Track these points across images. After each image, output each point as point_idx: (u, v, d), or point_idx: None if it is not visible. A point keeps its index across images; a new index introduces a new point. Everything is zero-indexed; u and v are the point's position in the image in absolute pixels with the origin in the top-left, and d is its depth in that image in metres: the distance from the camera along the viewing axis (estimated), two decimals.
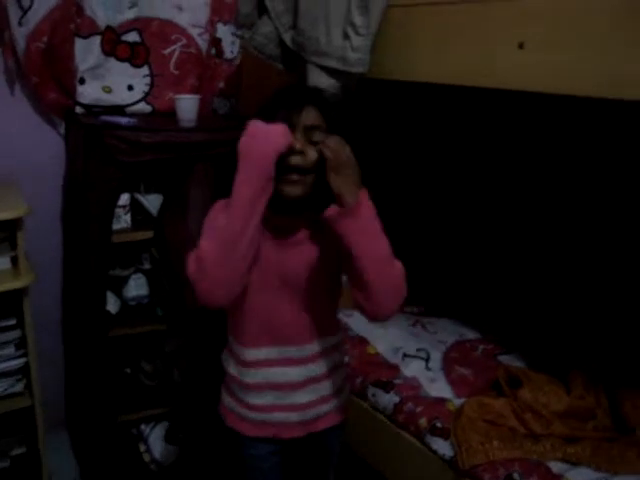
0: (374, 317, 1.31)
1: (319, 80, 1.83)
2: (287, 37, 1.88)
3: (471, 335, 2.25)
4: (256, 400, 1.41)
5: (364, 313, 1.30)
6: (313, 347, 1.41)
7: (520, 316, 2.31)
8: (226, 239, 1.19)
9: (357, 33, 1.70)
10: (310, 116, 1.27)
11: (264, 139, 1.19)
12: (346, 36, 1.72)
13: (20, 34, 1.99)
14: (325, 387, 1.46)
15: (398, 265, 1.26)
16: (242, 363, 1.40)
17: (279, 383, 1.40)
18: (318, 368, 1.43)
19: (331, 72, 1.79)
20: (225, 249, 1.19)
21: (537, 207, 2.41)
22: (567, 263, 2.33)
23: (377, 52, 1.73)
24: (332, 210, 1.21)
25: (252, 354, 1.38)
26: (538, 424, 1.68)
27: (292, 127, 1.24)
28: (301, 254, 1.34)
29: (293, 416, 1.43)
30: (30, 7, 1.98)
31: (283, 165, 1.22)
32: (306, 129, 1.26)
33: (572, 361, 1.96)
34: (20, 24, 1.99)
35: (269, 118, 1.25)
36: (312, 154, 1.25)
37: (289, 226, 1.34)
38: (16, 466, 2.11)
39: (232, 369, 1.43)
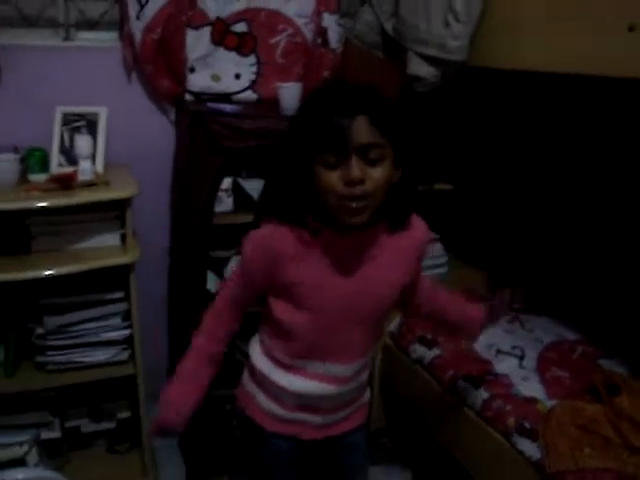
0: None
1: (419, 68, 1.82)
2: (388, 25, 1.88)
3: (570, 336, 2.15)
4: (287, 399, 1.32)
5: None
6: (358, 365, 1.34)
7: (625, 319, 2.17)
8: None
9: (458, 20, 1.67)
10: (362, 134, 1.07)
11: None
12: (446, 23, 1.70)
13: (137, 27, 2.12)
14: (352, 391, 1.38)
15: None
16: (287, 369, 1.30)
17: (313, 394, 1.31)
18: (355, 382, 1.36)
19: (431, 60, 1.78)
20: None
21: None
22: None
23: (478, 39, 1.69)
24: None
25: (303, 365, 1.29)
26: (636, 435, 1.59)
27: (343, 150, 1.07)
28: (379, 271, 1.24)
29: (317, 419, 1.35)
30: (147, 2, 2.10)
31: (341, 194, 1.09)
32: (361, 150, 1.07)
33: None
34: (138, 18, 2.11)
35: (315, 144, 1.09)
36: (373, 177, 1.09)
37: (360, 242, 1.22)
38: (121, 428, 2.27)
39: (260, 362, 1.34)
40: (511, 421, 1.71)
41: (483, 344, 2.08)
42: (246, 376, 1.41)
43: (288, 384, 1.30)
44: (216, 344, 1.35)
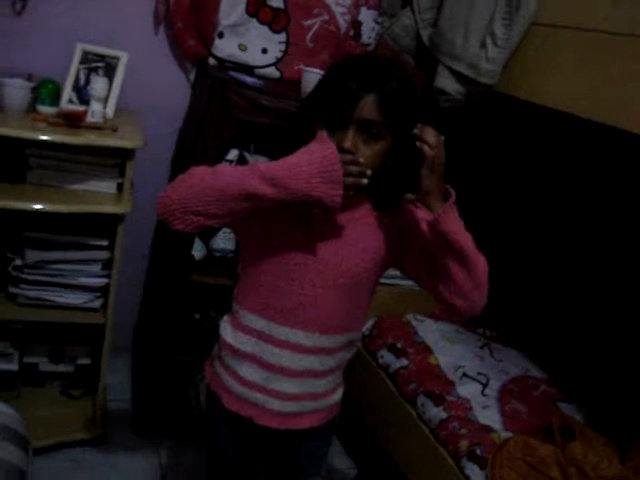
0: (470, 312, 1.21)
1: (446, 83, 1.81)
2: (425, 34, 1.87)
3: (536, 373, 2.18)
4: (243, 372, 1.29)
5: (457, 311, 1.21)
6: (328, 341, 1.28)
7: (591, 367, 2.21)
8: (214, 185, 1.11)
9: (495, 44, 1.67)
10: (367, 109, 1.10)
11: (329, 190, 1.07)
12: (483, 45, 1.69)
13: None
14: (320, 384, 1.33)
15: (482, 256, 1.18)
16: (243, 329, 1.29)
17: (271, 364, 1.27)
18: (322, 363, 1.30)
19: (460, 77, 1.77)
20: (205, 190, 1.11)
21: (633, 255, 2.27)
22: None
23: (509, 67, 1.69)
24: (423, 211, 1.17)
25: (258, 323, 1.27)
26: None
27: (345, 119, 1.11)
28: (355, 236, 1.24)
29: (273, 403, 1.29)
30: None
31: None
32: (361, 124, 1.12)
33: (636, 430, 1.86)
34: None
35: (320, 103, 1.16)
36: (365, 153, 1.12)
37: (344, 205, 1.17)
38: (79, 373, 2.27)
39: (229, 335, 1.31)
40: (463, 444, 1.73)
41: (450, 364, 2.11)
42: (215, 351, 1.40)
43: (245, 346, 1.28)
44: None
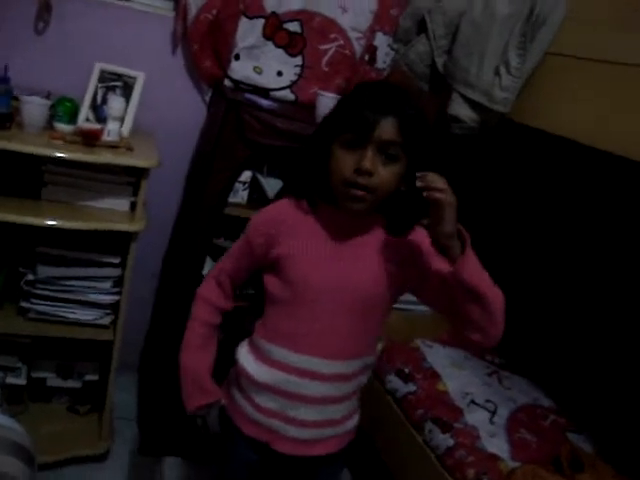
0: (487, 344, 1.20)
1: (459, 110, 1.82)
2: (439, 61, 1.89)
3: (545, 402, 2.16)
4: (262, 401, 1.31)
5: (474, 342, 1.20)
6: (345, 366, 1.30)
7: (602, 397, 2.18)
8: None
9: (509, 73, 1.68)
10: (387, 129, 1.14)
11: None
12: (497, 73, 1.70)
13: (195, 2, 2.11)
14: (337, 410, 1.34)
15: (498, 289, 1.17)
16: (264, 361, 1.30)
17: (290, 392, 1.28)
18: (339, 389, 1.31)
19: (473, 105, 1.78)
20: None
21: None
22: None
23: (523, 95, 1.70)
24: (443, 262, 1.15)
25: (278, 354, 1.28)
26: None
27: (365, 139, 1.14)
28: (369, 259, 1.26)
29: (291, 430, 1.30)
30: None
31: (348, 181, 1.16)
32: (381, 144, 1.14)
33: None
34: None
35: (341, 122, 1.18)
36: (382, 174, 1.15)
37: (355, 225, 1.26)
38: (86, 389, 2.26)
39: (250, 366, 1.33)
40: (470, 473, 1.71)
41: (458, 391, 2.09)
42: (231, 376, 1.42)
43: (264, 376, 1.30)
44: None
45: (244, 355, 1.36)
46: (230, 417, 1.38)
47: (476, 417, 1.96)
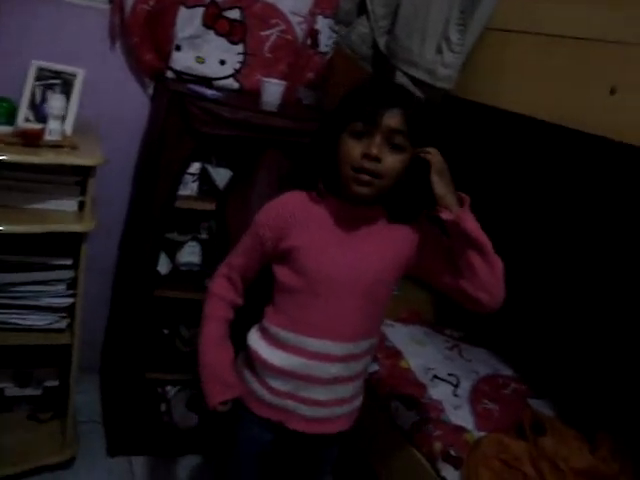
0: (493, 305, 1.33)
1: None
2: (381, 41, 1.88)
3: (505, 371, 2.21)
4: (276, 384, 1.38)
5: (481, 305, 1.32)
6: (355, 347, 1.38)
7: (559, 363, 2.25)
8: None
9: (451, 49, 1.69)
10: (394, 119, 1.22)
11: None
12: (439, 50, 1.71)
13: None
14: (347, 389, 1.42)
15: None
16: (276, 345, 1.37)
17: (302, 374, 1.36)
18: (349, 369, 1.39)
19: (418, 83, 1.78)
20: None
21: (607, 259, 2.32)
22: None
23: (465, 71, 1.71)
24: (446, 213, 1.25)
25: (289, 338, 1.35)
26: (553, 476, 1.64)
27: (373, 127, 1.22)
28: (375, 247, 1.34)
29: (304, 409, 1.39)
30: None
31: (356, 166, 1.23)
32: (388, 132, 1.23)
33: (603, 421, 1.90)
34: None
35: (350, 112, 1.25)
36: (389, 161, 1.23)
37: (360, 216, 1.34)
38: (47, 396, 2.22)
39: (263, 351, 1.39)
40: (437, 446, 1.74)
41: (421, 367, 2.12)
42: (240, 362, 1.46)
43: (278, 360, 1.36)
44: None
45: (256, 341, 1.42)
46: (242, 400, 1.42)
47: (440, 391, 1.99)
